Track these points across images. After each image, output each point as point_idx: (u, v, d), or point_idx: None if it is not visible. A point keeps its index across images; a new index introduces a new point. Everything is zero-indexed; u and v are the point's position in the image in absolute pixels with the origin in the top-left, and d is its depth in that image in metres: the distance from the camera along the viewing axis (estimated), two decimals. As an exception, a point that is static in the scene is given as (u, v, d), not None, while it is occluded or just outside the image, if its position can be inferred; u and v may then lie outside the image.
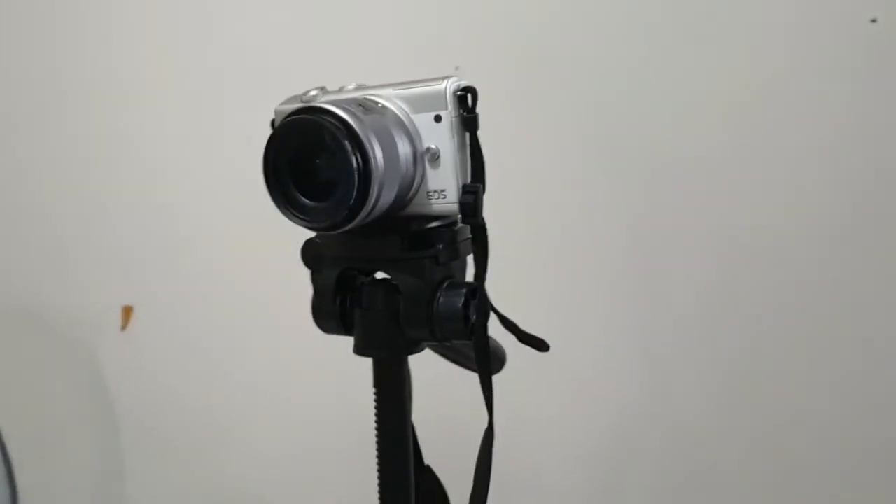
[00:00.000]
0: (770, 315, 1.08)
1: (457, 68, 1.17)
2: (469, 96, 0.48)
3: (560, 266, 1.15)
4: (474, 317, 0.50)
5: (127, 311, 1.40)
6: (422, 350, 0.53)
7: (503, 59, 1.14)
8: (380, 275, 0.53)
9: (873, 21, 1.02)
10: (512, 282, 1.08)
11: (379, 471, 0.54)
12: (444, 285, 0.50)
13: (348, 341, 0.53)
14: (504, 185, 1.08)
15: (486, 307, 0.50)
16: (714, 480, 1.13)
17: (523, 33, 1.14)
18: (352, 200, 0.45)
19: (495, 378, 0.52)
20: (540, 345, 0.56)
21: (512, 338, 0.57)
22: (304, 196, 0.46)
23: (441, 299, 0.49)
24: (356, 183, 0.44)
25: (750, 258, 1.08)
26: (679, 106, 1.08)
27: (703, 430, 1.12)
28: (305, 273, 0.53)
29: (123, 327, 1.40)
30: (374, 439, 0.55)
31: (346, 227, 0.46)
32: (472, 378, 0.54)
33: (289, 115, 0.46)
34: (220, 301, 1.31)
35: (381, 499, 0.53)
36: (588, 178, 1.12)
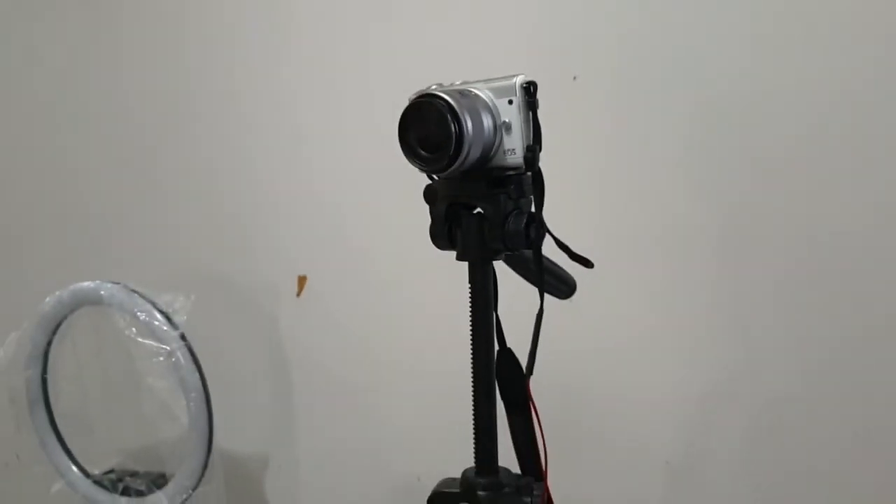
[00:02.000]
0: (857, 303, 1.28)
1: (575, 78, 1.45)
2: (531, 87, 0.77)
3: (663, 250, 1.40)
4: (533, 234, 0.78)
5: (301, 281, 1.75)
6: (500, 258, 0.82)
7: (613, 65, 1.40)
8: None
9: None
10: (619, 262, 1.35)
11: (472, 344, 0.83)
12: (513, 213, 0.79)
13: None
14: (608, 174, 1.35)
15: (541, 229, 0.79)
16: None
17: (629, 39, 1.39)
18: (451, 153, 0.74)
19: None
20: (586, 262, 0.83)
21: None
22: (423, 150, 0.76)
23: (510, 221, 0.78)
24: (453, 142, 0.74)
25: (839, 249, 1.28)
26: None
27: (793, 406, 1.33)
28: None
29: (298, 294, 1.74)
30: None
31: (449, 171, 0.76)
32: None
33: (414, 99, 0.76)
34: (376, 273, 1.62)
35: (474, 362, 0.82)
36: (689, 168, 1.37)
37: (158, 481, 1.66)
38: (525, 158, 0.77)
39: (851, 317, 1.28)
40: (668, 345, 1.40)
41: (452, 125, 0.74)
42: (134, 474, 1.71)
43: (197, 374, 1.57)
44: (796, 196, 1.30)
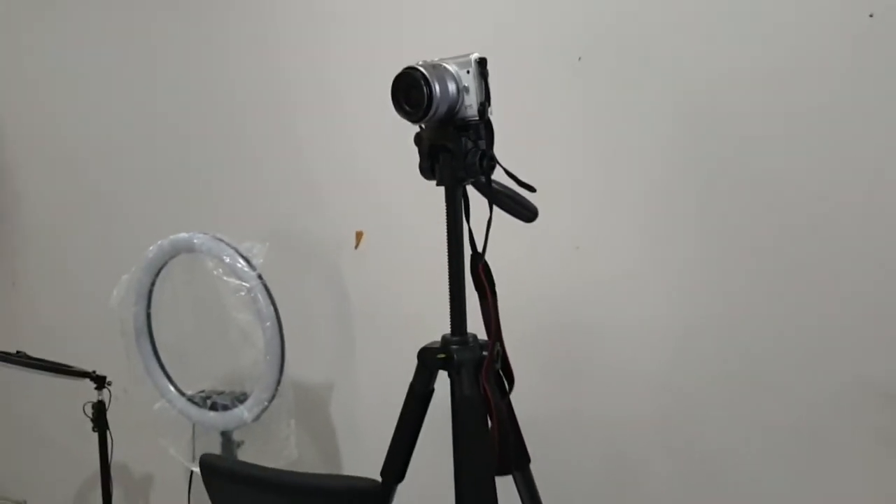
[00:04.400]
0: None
1: (580, 59, 1.80)
2: (482, 61, 1.15)
3: (657, 204, 1.73)
4: (485, 165, 1.16)
5: (359, 235, 2.12)
6: (468, 184, 1.20)
7: (616, 47, 1.74)
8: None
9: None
10: (620, 213, 1.68)
11: (447, 246, 1.21)
12: (471, 150, 1.17)
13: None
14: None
15: (491, 161, 1.17)
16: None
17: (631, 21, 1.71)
18: (424, 106, 1.13)
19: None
20: (530, 187, 1.21)
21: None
22: (407, 105, 1.15)
23: (469, 156, 1.17)
24: (426, 101, 1.13)
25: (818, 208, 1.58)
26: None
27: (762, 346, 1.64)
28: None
29: (356, 247, 2.13)
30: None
31: (425, 120, 1.15)
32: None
33: (401, 70, 1.16)
34: (421, 229, 1.94)
35: (448, 258, 1.21)
36: (678, 134, 1.69)
37: (241, 398, 2.05)
38: (478, 111, 1.16)
39: (818, 270, 1.58)
40: (659, 288, 1.73)
41: (425, 88, 1.13)
42: (221, 393, 2.10)
43: (272, 307, 1.95)
44: (773, 158, 1.59)
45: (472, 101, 1.16)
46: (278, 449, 2.00)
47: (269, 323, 1.95)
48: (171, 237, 2.03)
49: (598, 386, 1.83)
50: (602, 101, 1.76)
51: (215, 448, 2.09)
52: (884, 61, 1.47)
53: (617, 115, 1.75)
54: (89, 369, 2.27)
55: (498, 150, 1.24)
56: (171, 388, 2.16)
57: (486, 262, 1.21)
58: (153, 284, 2.10)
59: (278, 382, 1.98)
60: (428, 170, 1.20)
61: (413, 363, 1.83)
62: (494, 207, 1.19)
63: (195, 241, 2.01)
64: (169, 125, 2.35)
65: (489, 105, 1.16)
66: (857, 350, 1.56)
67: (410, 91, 1.13)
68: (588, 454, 1.86)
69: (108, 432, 2.32)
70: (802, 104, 1.56)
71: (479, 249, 1.22)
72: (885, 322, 1.53)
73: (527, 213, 1.29)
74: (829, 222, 1.56)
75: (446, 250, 1.20)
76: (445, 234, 1.21)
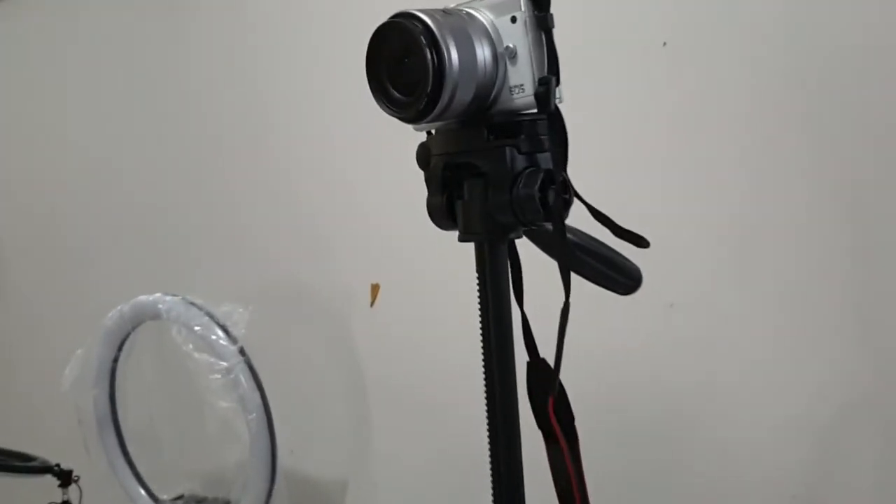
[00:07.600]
0: None
1: (664, 44, 1.22)
2: (542, -1, 0.55)
3: (776, 240, 1.15)
4: (552, 200, 0.55)
5: (375, 289, 1.59)
6: (518, 236, 0.59)
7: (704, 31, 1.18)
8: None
9: None
10: (724, 257, 1.11)
11: (483, 357, 0.60)
12: (525, 172, 0.56)
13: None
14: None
15: (564, 193, 0.55)
16: None
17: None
18: (429, 90, 0.53)
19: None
20: (639, 241, 0.60)
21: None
22: (395, 91, 0.55)
23: (521, 184, 0.55)
24: (431, 77, 0.52)
25: None
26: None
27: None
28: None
29: (372, 304, 1.59)
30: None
31: (431, 118, 0.54)
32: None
33: (382, 24, 0.55)
34: (447, 282, 1.44)
35: (486, 382, 0.60)
36: (802, 142, 1.11)
37: (226, 506, 1.55)
38: (537, 96, 0.54)
39: None
40: (786, 357, 1.14)
41: (429, 53, 0.52)
42: (202, 501, 1.64)
43: (257, 393, 1.46)
44: None
45: (523, 78, 0.55)
46: (275, 577, 1.50)
47: (255, 415, 1.46)
48: (133, 301, 1.52)
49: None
50: (693, 94, 1.19)
51: (200, 570, 1.63)
52: None
53: (718, 115, 1.18)
54: (53, 462, 1.73)
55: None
56: (142, 493, 1.67)
57: (560, 386, 0.59)
58: (116, 360, 1.60)
59: (269, 492, 1.47)
60: (442, 211, 0.60)
61: (447, 452, 1.47)
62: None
63: (160, 305, 1.54)
64: (128, 158, 1.89)
65: (558, 84, 0.54)
66: None
67: (402, 61, 0.53)
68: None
69: (76, 541, 1.82)
70: None
71: (543, 353, 0.60)
72: None
73: (626, 280, 0.68)
74: None
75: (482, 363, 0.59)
76: (479, 321, 0.60)
